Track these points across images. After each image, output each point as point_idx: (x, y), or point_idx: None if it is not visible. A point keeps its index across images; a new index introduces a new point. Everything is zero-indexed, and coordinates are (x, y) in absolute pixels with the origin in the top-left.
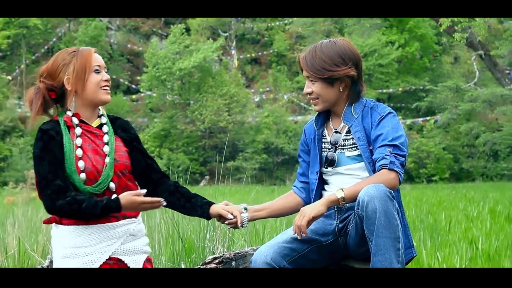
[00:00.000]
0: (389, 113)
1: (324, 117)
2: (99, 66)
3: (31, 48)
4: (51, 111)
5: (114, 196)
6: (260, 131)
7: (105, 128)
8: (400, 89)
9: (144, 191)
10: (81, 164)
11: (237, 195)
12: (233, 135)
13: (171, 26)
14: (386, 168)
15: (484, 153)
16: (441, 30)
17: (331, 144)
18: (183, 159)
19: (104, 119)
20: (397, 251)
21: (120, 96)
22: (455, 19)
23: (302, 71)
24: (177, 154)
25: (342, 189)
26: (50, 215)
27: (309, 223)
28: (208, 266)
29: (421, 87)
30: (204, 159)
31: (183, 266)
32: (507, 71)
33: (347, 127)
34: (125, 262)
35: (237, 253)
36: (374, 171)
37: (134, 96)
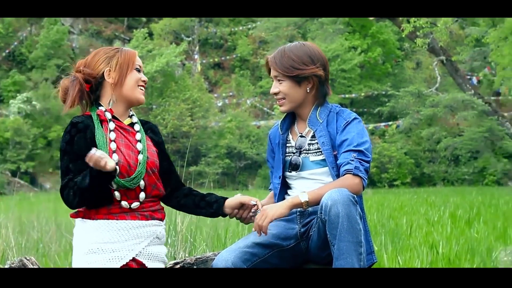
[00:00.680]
0: (355, 118)
1: (289, 121)
2: (140, 66)
3: None
4: (84, 103)
5: (142, 194)
6: (223, 136)
7: (136, 127)
8: (363, 94)
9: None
10: (115, 157)
11: None
12: (195, 140)
13: (134, 30)
14: (350, 173)
15: (445, 158)
16: (403, 36)
17: (296, 148)
18: None
19: (135, 119)
20: (359, 256)
21: None
22: (417, 24)
23: (269, 73)
24: None
25: (306, 193)
26: (77, 210)
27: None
28: None
29: (383, 92)
30: None
31: None
32: (468, 77)
33: (312, 131)
34: (147, 266)
35: (199, 258)
36: (338, 176)
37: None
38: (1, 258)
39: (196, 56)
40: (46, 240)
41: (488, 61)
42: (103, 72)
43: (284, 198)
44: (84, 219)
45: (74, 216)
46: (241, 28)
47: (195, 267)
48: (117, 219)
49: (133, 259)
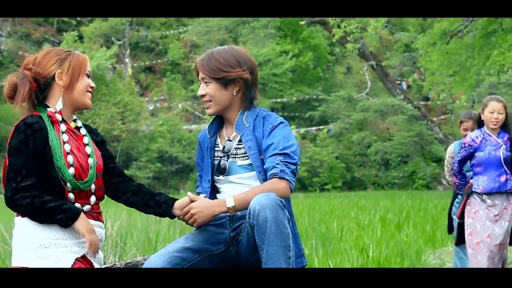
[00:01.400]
0: (281, 123)
1: (218, 125)
2: (89, 72)
3: None
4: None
5: (93, 197)
6: (154, 140)
7: (82, 131)
8: (294, 98)
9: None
10: (70, 159)
11: None
12: (127, 144)
13: (64, 33)
14: (277, 177)
15: (375, 162)
16: (334, 41)
17: (223, 152)
18: None
19: (79, 123)
20: (288, 260)
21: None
22: (348, 29)
23: (198, 75)
24: None
25: (232, 197)
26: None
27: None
28: None
29: (315, 97)
30: None
31: None
32: (398, 82)
33: (239, 136)
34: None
35: (129, 262)
36: (265, 180)
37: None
38: None
39: (127, 60)
40: None
41: (417, 66)
42: (54, 74)
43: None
44: None
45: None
46: (172, 31)
47: None
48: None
49: (83, 257)
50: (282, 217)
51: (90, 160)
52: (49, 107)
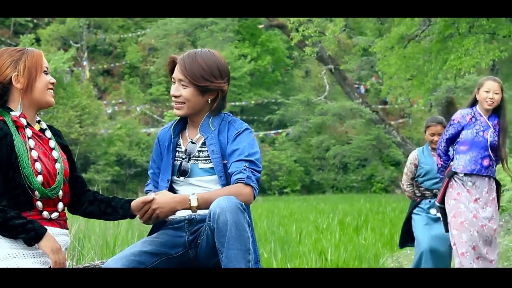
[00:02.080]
0: (246, 129)
1: (181, 126)
2: (47, 68)
3: None
4: None
5: (60, 204)
6: (112, 143)
7: (48, 134)
8: (253, 102)
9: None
10: (38, 166)
11: None
12: (84, 147)
13: (21, 36)
14: (242, 182)
15: (334, 165)
16: (292, 44)
17: (185, 154)
18: None
19: (43, 124)
20: (248, 263)
21: None
22: (306, 33)
23: (171, 72)
24: None
25: (196, 196)
26: None
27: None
28: None
29: (273, 100)
30: None
31: None
32: (356, 85)
33: (203, 138)
34: None
35: (86, 266)
36: (226, 185)
37: None
38: None
39: (84, 63)
40: None
41: (375, 70)
42: (11, 77)
43: None
44: None
45: None
46: (130, 35)
47: None
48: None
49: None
50: (242, 220)
51: (58, 166)
52: (12, 110)
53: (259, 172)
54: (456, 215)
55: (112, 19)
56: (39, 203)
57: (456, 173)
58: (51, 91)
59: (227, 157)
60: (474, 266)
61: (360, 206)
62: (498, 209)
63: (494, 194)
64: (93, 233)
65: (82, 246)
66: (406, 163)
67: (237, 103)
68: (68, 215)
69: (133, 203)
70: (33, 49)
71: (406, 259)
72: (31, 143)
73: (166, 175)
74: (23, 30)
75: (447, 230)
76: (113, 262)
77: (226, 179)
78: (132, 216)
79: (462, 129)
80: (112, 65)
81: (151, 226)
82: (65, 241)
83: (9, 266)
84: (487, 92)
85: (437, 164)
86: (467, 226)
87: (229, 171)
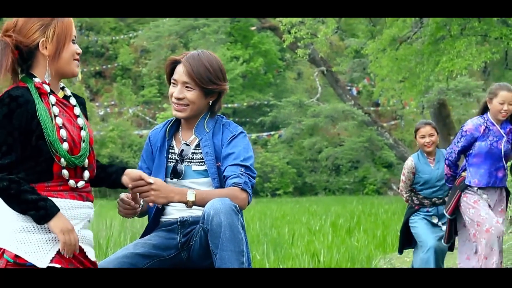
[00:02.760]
0: (241, 132)
1: (175, 127)
2: (75, 36)
3: None
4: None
5: (87, 172)
6: (104, 145)
7: (72, 101)
8: (245, 104)
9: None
10: (63, 133)
11: None
12: None
13: None
14: (239, 187)
15: (326, 167)
16: (285, 46)
17: (179, 155)
18: None
19: (68, 91)
20: (241, 265)
21: None
22: (298, 35)
23: (171, 74)
24: None
25: (194, 192)
26: None
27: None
28: None
29: (266, 102)
30: None
31: None
32: (348, 87)
33: (197, 140)
34: (85, 250)
35: None
36: (219, 187)
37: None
38: None
39: None
40: None
41: (367, 72)
42: (38, 42)
43: (162, 206)
44: None
45: None
46: (122, 37)
47: None
48: (56, 197)
49: None
50: (236, 222)
51: (83, 133)
52: (35, 77)
53: (254, 178)
54: (480, 223)
55: (104, 21)
56: (65, 172)
57: (469, 186)
58: (77, 61)
59: (221, 160)
60: None
61: (352, 208)
62: (505, 218)
63: (504, 205)
64: None
65: None
66: (403, 171)
67: (229, 105)
68: None
69: (128, 171)
70: (64, 18)
71: (398, 260)
72: (55, 110)
73: (159, 177)
74: None
75: (448, 242)
76: (106, 264)
77: (220, 182)
78: (122, 185)
79: (475, 140)
80: (104, 67)
81: (144, 228)
82: (87, 214)
83: (22, 240)
84: (501, 103)
85: (446, 174)
86: (493, 232)
87: (224, 174)
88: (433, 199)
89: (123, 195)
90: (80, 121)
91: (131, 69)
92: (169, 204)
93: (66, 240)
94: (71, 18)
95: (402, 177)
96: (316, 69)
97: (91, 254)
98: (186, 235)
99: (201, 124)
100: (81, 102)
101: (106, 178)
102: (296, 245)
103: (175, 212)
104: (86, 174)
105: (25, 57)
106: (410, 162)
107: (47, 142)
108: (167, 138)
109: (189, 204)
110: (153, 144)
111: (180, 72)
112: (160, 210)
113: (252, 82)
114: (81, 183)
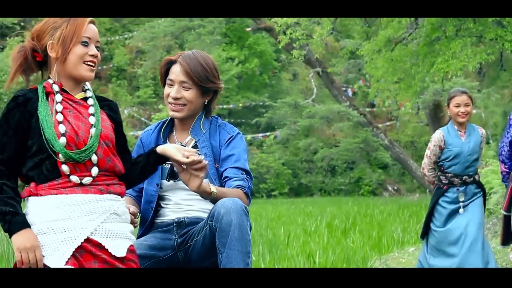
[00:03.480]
0: (238, 133)
1: (169, 129)
2: (89, 38)
3: None
4: (33, 75)
5: (95, 168)
6: None
7: (90, 101)
8: (241, 104)
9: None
10: (61, 128)
11: None
12: None
13: (8, 38)
14: (243, 190)
15: (322, 168)
16: (280, 47)
17: None
18: None
19: (89, 93)
20: (247, 266)
21: None
22: (294, 36)
23: (166, 74)
24: None
25: (215, 186)
26: (25, 188)
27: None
28: None
29: (261, 103)
30: None
31: None
32: (344, 88)
33: (194, 141)
34: (106, 247)
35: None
36: None
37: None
38: None
39: None
40: None
41: (363, 73)
42: (47, 45)
43: (158, 208)
44: (32, 197)
45: (23, 195)
46: (117, 37)
47: None
48: (66, 194)
49: (88, 239)
50: (246, 223)
51: (92, 130)
52: (51, 78)
53: (252, 182)
54: None
55: (99, 21)
56: (64, 167)
57: None
58: (91, 64)
59: (220, 161)
60: None
61: (348, 208)
62: None
63: None
64: None
65: None
66: (429, 145)
67: (224, 106)
68: None
69: (164, 146)
70: (78, 18)
71: (394, 261)
72: (59, 107)
73: (155, 179)
74: (10, 32)
75: (503, 243)
76: None
77: (219, 183)
78: (164, 160)
79: None
80: (99, 67)
81: (138, 230)
82: (108, 207)
83: (42, 241)
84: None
85: (501, 172)
86: None
87: (225, 175)
88: (464, 177)
89: None
90: (92, 119)
91: (126, 70)
92: (165, 206)
93: (19, 259)
94: (85, 20)
95: (427, 152)
96: (311, 70)
97: (116, 250)
98: (183, 236)
99: (197, 125)
100: (112, 108)
101: (147, 165)
102: (292, 246)
103: (170, 213)
104: (94, 170)
105: (42, 60)
106: (438, 134)
107: (44, 138)
108: (161, 140)
109: (212, 194)
110: (145, 145)
111: (176, 72)
112: (155, 212)
113: (247, 83)
114: (86, 179)
